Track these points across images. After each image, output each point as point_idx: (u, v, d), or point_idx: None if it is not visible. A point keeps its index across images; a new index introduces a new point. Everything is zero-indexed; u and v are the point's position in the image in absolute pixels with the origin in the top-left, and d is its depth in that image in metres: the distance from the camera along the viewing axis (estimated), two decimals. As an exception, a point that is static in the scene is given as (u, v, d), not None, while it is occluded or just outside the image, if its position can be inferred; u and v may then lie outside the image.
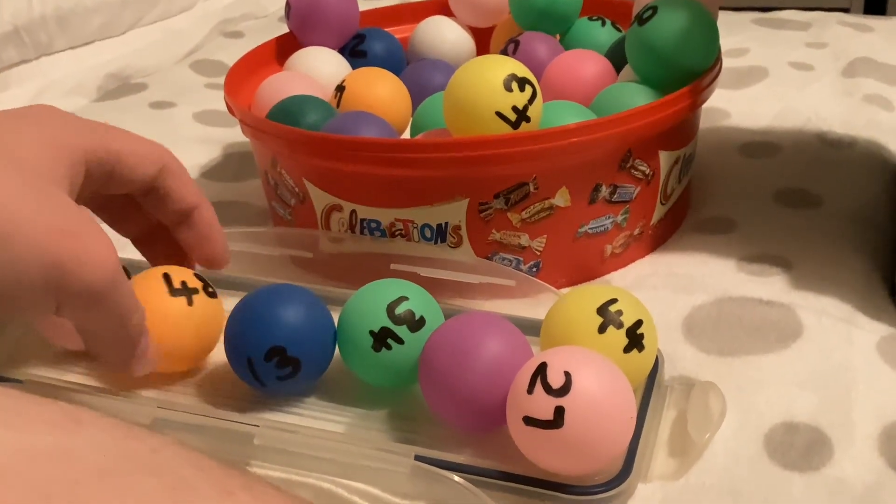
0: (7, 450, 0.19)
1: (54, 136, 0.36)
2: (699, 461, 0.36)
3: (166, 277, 0.40)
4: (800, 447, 0.37)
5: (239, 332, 0.39)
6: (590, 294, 0.38)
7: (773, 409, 0.39)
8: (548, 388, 0.33)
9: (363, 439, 0.37)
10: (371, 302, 0.39)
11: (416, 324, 0.38)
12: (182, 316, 0.39)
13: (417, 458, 0.35)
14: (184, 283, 0.40)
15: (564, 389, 0.32)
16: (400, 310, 0.38)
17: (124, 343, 0.37)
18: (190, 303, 0.39)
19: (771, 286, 0.47)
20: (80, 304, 0.34)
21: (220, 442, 0.37)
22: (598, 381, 0.33)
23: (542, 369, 0.33)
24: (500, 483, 0.34)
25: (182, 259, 0.43)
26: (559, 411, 0.32)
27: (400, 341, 0.38)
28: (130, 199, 0.41)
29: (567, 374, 0.33)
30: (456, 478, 0.34)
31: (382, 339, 0.38)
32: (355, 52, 0.61)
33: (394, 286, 0.39)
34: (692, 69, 0.49)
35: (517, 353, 0.36)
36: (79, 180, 0.36)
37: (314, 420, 0.39)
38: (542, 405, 0.33)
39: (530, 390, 0.33)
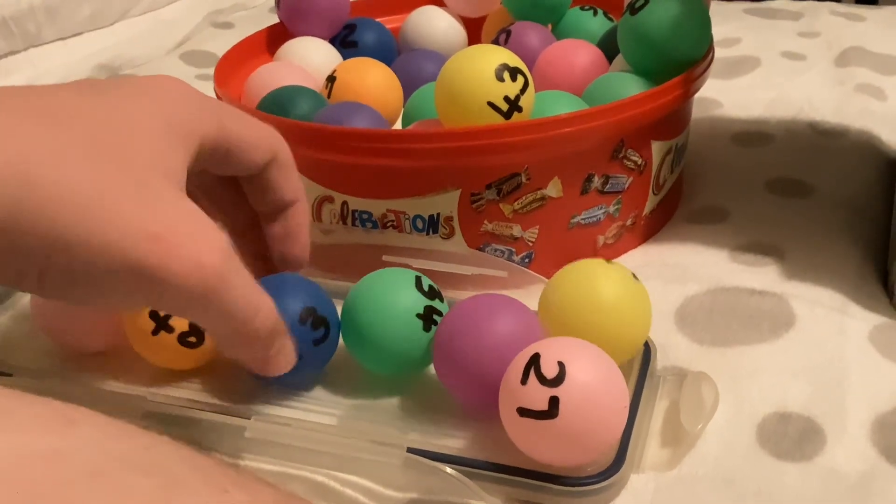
0: None
1: (172, 118, 0.33)
2: (692, 451, 0.36)
3: None
4: (792, 437, 0.37)
5: None
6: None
7: (766, 399, 0.39)
8: (542, 379, 0.32)
9: (355, 431, 0.36)
10: (394, 287, 0.39)
11: (441, 295, 0.40)
12: None
13: (410, 450, 0.34)
14: None
15: (558, 379, 0.32)
16: (425, 286, 0.39)
17: (250, 343, 0.34)
18: None
19: (763, 276, 0.47)
20: (177, 307, 0.32)
21: (212, 435, 0.37)
22: (592, 371, 0.33)
23: (535, 360, 0.33)
24: (492, 475, 0.34)
25: (264, 261, 0.41)
26: (553, 401, 0.32)
27: (441, 314, 0.39)
28: (234, 185, 0.39)
29: (561, 364, 0.33)
30: (448, 469, 0.33)
31: (429, 317, 0.39)
32: (346, 42, 0.61)
33: (395, 273, 0.40)
34: (684, 59, 0.49)
35: (531, 330, 0.37)
36: (187, 164, 0.34)
37: (306, 413, 0.39)
38: (537, 396, 0.32)
39: (524, 381, 0.33)
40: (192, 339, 0.39)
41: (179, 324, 0.39)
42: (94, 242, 0.29)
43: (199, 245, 0.31)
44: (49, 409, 0.21)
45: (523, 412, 0.33)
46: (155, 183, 0.31)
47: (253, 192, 0.39)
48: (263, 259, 0.41)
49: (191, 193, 0.33)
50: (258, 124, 0.37)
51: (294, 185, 0.39)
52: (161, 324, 0.39)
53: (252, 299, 0.33)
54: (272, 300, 0.34)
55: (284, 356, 0.36)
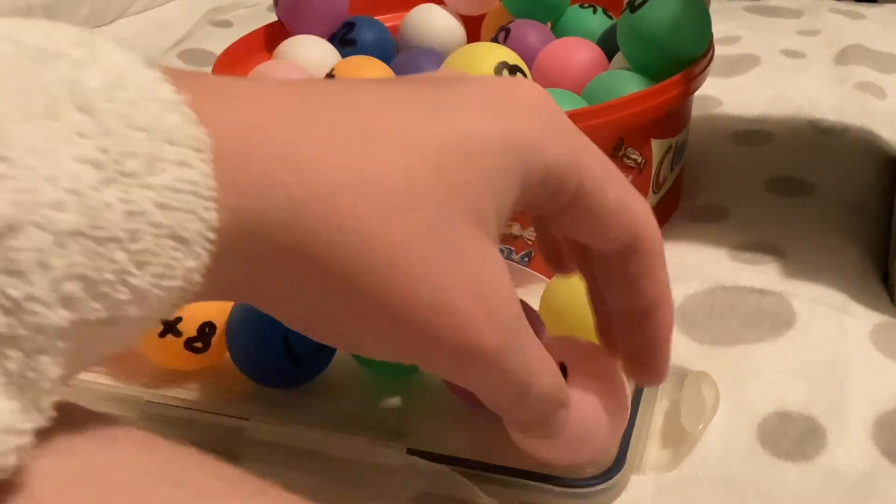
0: (42, 471, 0.19)
1: (513, 141, 0.25)
2: (692, 452, 0.36)
3: None
4: (793, 436, 0.37)
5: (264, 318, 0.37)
6: None
7: (767, 399, 0.39)
8: None
9: (355, 432, 0.36)
10: None
11: None
12: None
13: (410, 450, 0.34)
14: None
15: None
16: None
17: (526, 412, 0.29)
18: None
19: (764, 274, 0.47)
20: (440, 370, 0.27)
21: (211, 436, 0.36)
22: (594, 372, 0.33)
23: None
24: (492, 476, 0.34)
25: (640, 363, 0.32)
26: None
27: None
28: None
29: (563, 366, 0.32)
30: (449, 470, 0.33)
31: None
32: (345, 40, 0.61)
33: None
34: (684, 57, 0.49)
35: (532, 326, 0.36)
36: (513, 200, 0.26)
37: (305, 413, 0.39)
38: None
39: None
40: (199, 344, 0.39)
41: (187, 328, 0.39)
42: (389, 295, 0.23)
43: (489, 321, 0.25)
44: (97, 426, 0.21)
45: None
46: (461, 232, 0.24)
47: (602, 277, 0.30)
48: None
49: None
50: (627, 186, 0.28)
51: (657, 286, 0.29)
52: (169, 327, 0.39)
53: (532, 369, 0.27)
54: (555, 365, 0.29)
55: (553, 436, 0.30)
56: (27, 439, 0.18)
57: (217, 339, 0.39)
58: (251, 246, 0.22)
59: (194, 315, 0.39)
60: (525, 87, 0.27)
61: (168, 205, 0.19)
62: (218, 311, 0.39)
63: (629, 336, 0.31)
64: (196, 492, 0.21)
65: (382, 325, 0.24)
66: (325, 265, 0.22)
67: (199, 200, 0.20)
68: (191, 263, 0.20)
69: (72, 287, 0.18)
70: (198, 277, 0.21)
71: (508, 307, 0.26)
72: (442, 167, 0.24)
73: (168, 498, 0.20)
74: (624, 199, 0.28)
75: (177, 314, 0.38)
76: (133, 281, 0.19)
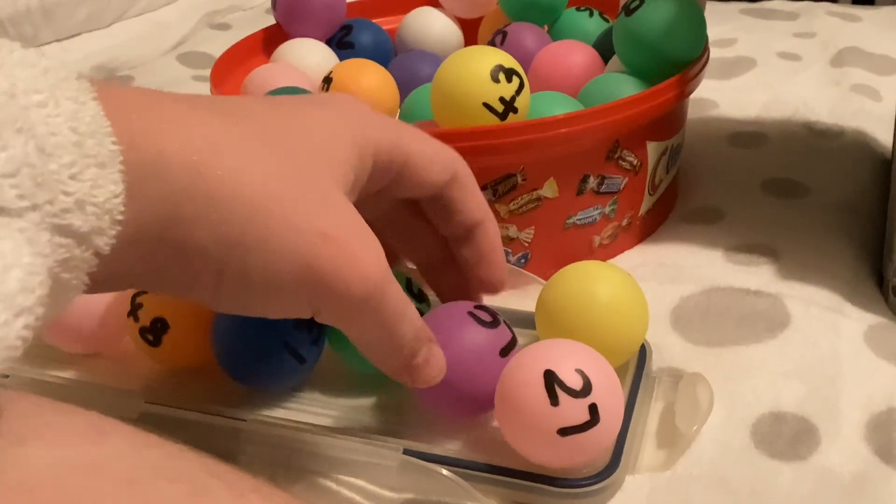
0: (37, 463, 0.20)
1: (350, 126, 0.33)
2: (687, 452, 0.36)
3: None
4: (787, 437, 0.37)
5: (262, 322, 0.36)
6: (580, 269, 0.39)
7: (761, 399, 0.39)
8: (573, 392, 0.32)
9: (351, 433, 0.37)
10: None
11: (428, 299, 0.40)
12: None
13: (406, 451, 0.34)
14: None
15: (588, 386, 0.32)
16: (415, 289, 0.39)
17: (395, 353, 0.33)
18: None
19: (759, 276, 0.47)
20: (337, 313, 0.31)
21: (207, 436, 0.37)
22: (603, 369, 0.33)
23: (552, 377, 0.33)
24: (488, 476, 0.34)
25: (467, 292, 0.40)
26: (593, 409, 0.32)
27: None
28: (419, 216, 0.38)
29: (580, 372, 0.33)
30: (444, 471, 0.33)
31: None
32: (342, 43, 0.61)
33: None
34: (680, 59, 0.49)
35: (492, 337, 0.36)
36: (363, 177, 0.33)
37: (302, 414, 0.39)
38: (575, 410, 0.32)
39: (554, 402, 0.32)
40: (150, 336, 0.39)
41: (143, 317, 0.39)
42: (272, 242, 0.29)
43: (372, 249, 0.31)
44: (82, 420, 0.22)
45: (566, 431, 0.32)
46: (325, 184, 0.31)
47: (437, 215, 0.38)
48: (461, 290, 0.40)
49: (375, 227, 0.32)
50: (437, 143, 0.36)
51: (478, 205, 0.37)
52: (133, 309, 0.39)
53: (401, 308, 0.32)
54: (415, 307, 0.33)
55: (433, 365, 0.34)
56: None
57: (170, 339, 0.39)
58: (157, 188, 0.27)
59: (151, 306, 0.39)
60: (354, 99, 0.36)
61: (80, 130, 0.24)
62: (172, 309, 0.39)
63: (465, 255, 0.38)
64: (192, 487, 0.21)
65: (286, 265, 0.29)
66: (222, 219, 0.28)
67: (107, 138, 0.25)
68: (111, 188, 0.25)
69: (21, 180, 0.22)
70: (121, 206, 0.25)
71: (379, 245, 0.31)
72: (308, 151, 0.31)
73: (165, 492, 0.20)
74: (438, 148, 0.36)
75: (139, 300, 0.39)
76: (70, 189, 0.23)
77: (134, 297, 0.39)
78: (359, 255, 0.30)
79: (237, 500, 0.22)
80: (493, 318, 0.37)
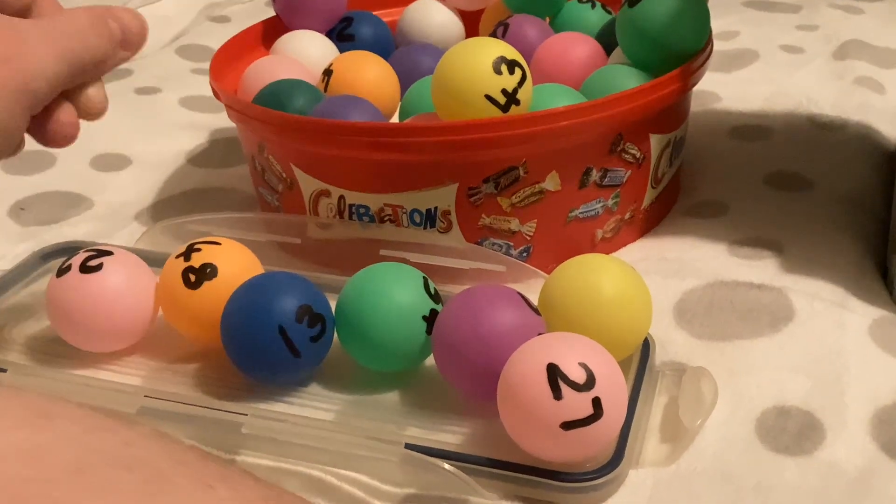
0: None
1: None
2: (691, 447, 0.36)
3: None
4: (792, 431, 0.37)
5: (261, 305, 0.38)
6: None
7: (765, 394, 0.39)
8: (575, 386, 0.32)
9: (353, 427, 0.36)
10: (404, 288, 0.39)
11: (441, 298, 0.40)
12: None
13: (408, 446, 0.34)
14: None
15: (591, 379, 0.32)
16: (432, 289, 0.39)
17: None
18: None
19: (762, 270, 0.47)
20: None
21: (209, 431, 0.36)
22: (607, 362, 0.33)
23: (555, 371, 0.32)
24: (491, 471, 0.34)
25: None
26: (596, 402, 0.32)
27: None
28: None
29: (584, 366, 0.32)
30: (446, 465, 0.33)
31: (432, 320, 0.38)
32: (343, 35, 0.60)
33: (401, 271, 0.39)
34: (683, 52, 0.49)
35: (531, 320, 0.36)
36: None
37: (303, 408, 0.39)
38: (578, 404, 0.32)
39: (557, 396, 0.32)
40: (192, 277, 0.40)
41: (196, 260, 0.40)
42: None
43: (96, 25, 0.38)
44: (24, 402, 0.20)
45: (570, 425, 0.32)
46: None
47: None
48: None
49: None
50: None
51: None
52: (188, 251, 0.41)
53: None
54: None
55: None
56: None
57: (209, 288, 0.40)
58: None
59: (207, 252, 0.41)
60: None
61: None
62: (224, 259, 0.40)
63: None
64: (147, 475, 0.19)
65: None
66: None
67: None
68: None
69: None
70: None
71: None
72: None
73: (116, 481, 0.19)
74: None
75: (198, 245, 0.41)
76: None
77: (193, 243, 0.41)
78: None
79: (201, 489, 0.20)
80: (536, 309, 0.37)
